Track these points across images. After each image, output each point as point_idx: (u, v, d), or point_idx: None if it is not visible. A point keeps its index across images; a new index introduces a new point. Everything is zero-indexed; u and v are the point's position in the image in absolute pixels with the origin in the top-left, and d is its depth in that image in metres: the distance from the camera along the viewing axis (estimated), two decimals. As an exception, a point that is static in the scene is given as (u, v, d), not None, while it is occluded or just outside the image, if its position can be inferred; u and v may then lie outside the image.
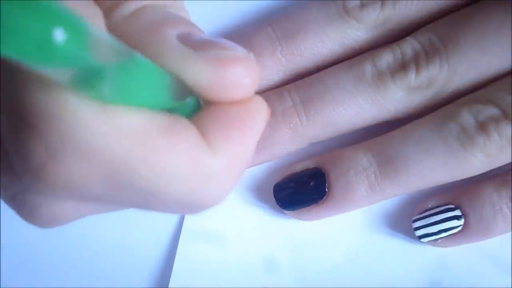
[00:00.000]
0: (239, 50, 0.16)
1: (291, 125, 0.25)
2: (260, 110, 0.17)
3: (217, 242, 0.27)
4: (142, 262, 0.27)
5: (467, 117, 0.23)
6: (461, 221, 0.25)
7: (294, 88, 0.25)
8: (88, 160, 0.14)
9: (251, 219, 0.27)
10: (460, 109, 0.23)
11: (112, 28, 0.17)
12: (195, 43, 0.16)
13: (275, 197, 0.26)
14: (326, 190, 0.25)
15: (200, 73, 0.16)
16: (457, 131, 0.23)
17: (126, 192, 0.15)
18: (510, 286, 0.26)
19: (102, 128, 0.14)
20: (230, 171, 0.16)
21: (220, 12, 0.27)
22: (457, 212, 0.25)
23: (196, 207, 0.17)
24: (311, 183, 0.25)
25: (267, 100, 0.24)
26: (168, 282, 0.27)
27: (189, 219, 0.27)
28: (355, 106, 0.24)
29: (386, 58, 0.24)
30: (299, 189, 0.26)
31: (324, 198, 0.25)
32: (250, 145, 0.17)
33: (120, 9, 0.17)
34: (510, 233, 0.25)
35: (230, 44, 0.17)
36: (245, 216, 0.27)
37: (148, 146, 0.15)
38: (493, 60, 0.24)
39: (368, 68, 0.24)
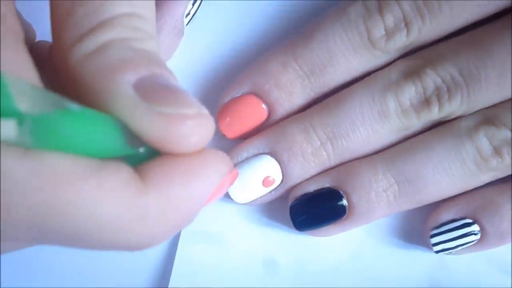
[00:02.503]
0: (192, 106, 0.17)
1: (320, 162, 0.25)
2: (216, 165, 0.18)
3: (217, 242, 0.27)
4: (142, 262, 0.27)
5: (483, 141, 0.24)
6: (478, 236, 0.25)
7: (320, 124, 0.25)
8: (9, 207, 0.14)
9: (251, 220, 0.27)
10: (476, 131, 0.24)
11: (74, 66, 0.17)
12: (150, 93, 0.16)
13: (292, 221, 0.26)
14: (345, 210, 0.25)
15: (148, 127, 0.16)
16: (473, 153, 0.24)
17: (56, 235, 0.15)
18: (510, 286, 0.26)
19: (21, 173, 0.14)
20: (168, 212, 0.16)
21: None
22: (475, 227, 0.25)
23: (131, 247, 0.17)
24: (329, 204, 0.25)
25: (294, 141, 0.25)
26: (168, 282, 0.27)
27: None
28: (379, 140, 0.25)
29: (409, 92, 0.24)
30: (317, 210, 0.25)
31: (343, 217, 0.25)
32: (196, 194, 0.17)
33: (82, 45, 0.17)
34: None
35: (185, 97, 0.17)
36: (245, 217, 0.27)
37: (71, 188, 0.15)
38: (509, 92, 0.24)
39: (391, 103, 0.24)
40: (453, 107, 0.24)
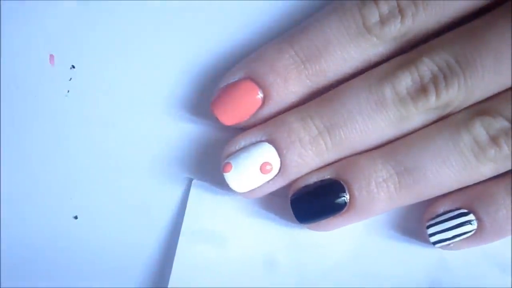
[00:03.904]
0: None
1: (318, 152, 0.25)
2: None
3: (217, 242, 0.27)
4: (142, 262, 0.27)
5: (479, 130, 0.24)
6: (475, 225, 0.25)
7: (317, 114, 0.25)
8: None
9: (251, 219, 0.27)
10: (473, 121, 0.24)
11: None
12: None
13: (294, 212, 0.26)
14: (346, 201, 0.25)
15: None
16: (470, 143, 0.24)
17: None
18: (510, 286, 0.26)
19: None
20: None
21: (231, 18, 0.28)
22: (471, 217, 0.25)
23: None
24: (330, 195, 0.25)
25: (292, 129, 0.25)
26: (167, 282, 0.27)
27: (189, 219, 0.27)
28: (377, 131, 0.25)
29: (405, 81, 0.24)
30: (318, 201, 0.25)
31: (345, 209, 0.25)
32: None
33: None
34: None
35: None
36: (245, 216, 0.27)
37: None
38: (507, 80, 0.24)
39: (388, 92, 0.24)
40: (451, 94, 0.24)
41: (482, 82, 0.24)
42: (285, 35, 0.26)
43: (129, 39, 0.27)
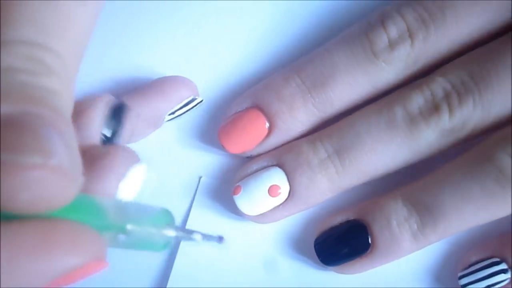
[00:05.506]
0: (41, 154, 0.14)
1: (328, 176, 0.25)
2: (74, 243, 0.15)
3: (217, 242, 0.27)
4: (142, 262, 0.27)
5: (504, 159, 0.23)
6: (508, 274, 0.24)
7: (326, 137, 0.25)
8: None
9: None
10: (495, 151, 0.23)
11: None
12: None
13: (318, 255, 0.25)
14: (370, 243, 0.25)
15: None
16: (495, 174, 0.23)
17: None
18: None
19: None
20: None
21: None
22: (503, 266, 0.24)
23: None
24: (353, 237, 0.25)
25: (300, 151, 0.25)
26: (168, 282, 0.27)
27: (190, 219, 0.27)
28: (388, 153, 0.24)
29: (417, 100, 0.24)
30: (342, 244, 0.25)
31: (369, 251, 0.25)
32: (42, 270, 0.15)
33: None
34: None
35: (39, 143, 0.14)
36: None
37: None
38: None
39: (399, 112, 0.24)
40: (465, 112, 0.23)
41: (499, 97, 0.23)
42: (293, 63, 0.26)
43: (142, 64, 0.27)
